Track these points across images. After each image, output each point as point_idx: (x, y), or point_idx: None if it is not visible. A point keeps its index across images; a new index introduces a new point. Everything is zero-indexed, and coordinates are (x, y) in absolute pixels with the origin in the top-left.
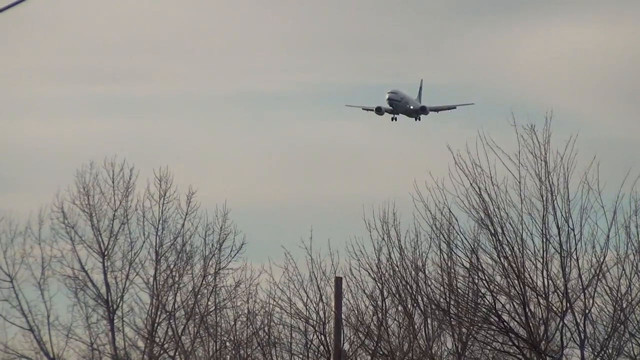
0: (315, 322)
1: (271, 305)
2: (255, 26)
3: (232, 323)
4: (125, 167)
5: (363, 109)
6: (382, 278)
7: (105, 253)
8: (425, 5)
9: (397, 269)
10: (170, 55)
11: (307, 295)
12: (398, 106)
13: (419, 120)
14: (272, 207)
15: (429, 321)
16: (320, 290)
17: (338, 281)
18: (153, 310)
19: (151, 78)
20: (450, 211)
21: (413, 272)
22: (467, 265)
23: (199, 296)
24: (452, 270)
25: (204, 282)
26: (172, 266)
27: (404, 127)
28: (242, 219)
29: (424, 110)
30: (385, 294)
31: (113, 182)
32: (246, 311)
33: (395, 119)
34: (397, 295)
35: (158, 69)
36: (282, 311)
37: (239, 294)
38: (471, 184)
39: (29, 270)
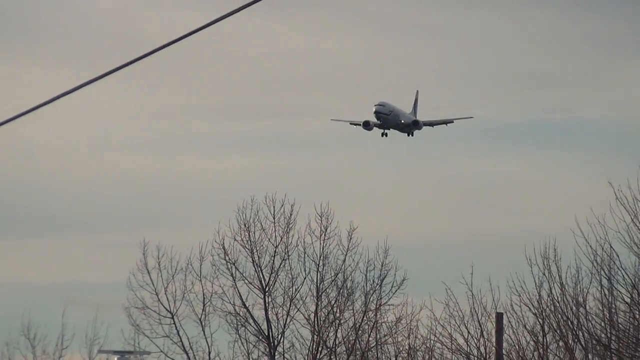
0: (476, 358)
1: (432, 341)
2: (419, 61)
3: (393, 359)
4: (286, 203)
5: (350, 123)
6: (543, 313)
7: (266, 289)
8: (584, 39)
9: (557, 305)
10: (331, 91)
11: (468, 331)
12: (387, 120)
13: (412, 135)
14: (432, 243)
15: (590, 357)
16: (481, 326)
17: (499, 317)
18: (314, 346)
19: (313, 114)
20: (611, 246)
21: (574, 308)
22: (628, 300)
23: (360, 332)
24: (613, 306)
25: (365, 318)
26: (333, 302)
27: (563, 162)
28: (403, 254)
29: (416, 124)
30: (546, 329)
31: (274, 218)
32: (407, 347)
33: (386, 135)
34: (558, 331)
35: (319, 105)
36: (443, 347)
37: (400, 329)
38: (632, 220)
39: (190, 306)
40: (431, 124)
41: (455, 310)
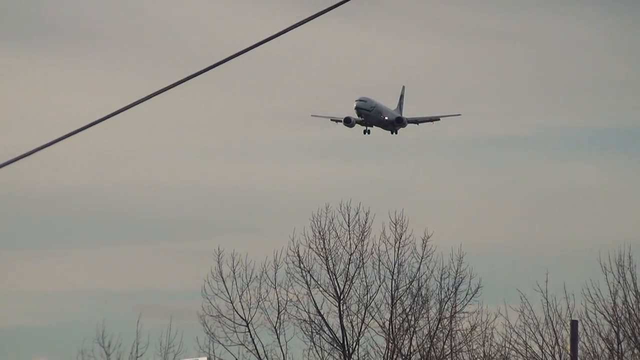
0: None
1: (507, 349)
2: (496, 69)
3: None
4: (360, 210)
5: (331, 119)
6: (618, 321)
7: (341, 297)
8: None
9: (633, 312)
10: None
11: (543, 339)
12: (369, 116)
13: (396, 133)
14: (507, 250)
15: None
16: (555, 334)
17: (574, 324)
18: (389, 354)
19: None
20: None
21: None
22: None
23: (435, 340)
24: None
25: (439, 326)
26: (407, 310)
27: (638, 169)
28: (478, 262)
29: (400, 121)
30: (621, 336)
31: (349, 226)
32: (482, 355)
33: (368, 132)
34: (633, 338)
35: None
36: (517, 354)
37: (475, 337)
38: None
39: (264, 314)
40: (416, 121)
41: (530, 317)
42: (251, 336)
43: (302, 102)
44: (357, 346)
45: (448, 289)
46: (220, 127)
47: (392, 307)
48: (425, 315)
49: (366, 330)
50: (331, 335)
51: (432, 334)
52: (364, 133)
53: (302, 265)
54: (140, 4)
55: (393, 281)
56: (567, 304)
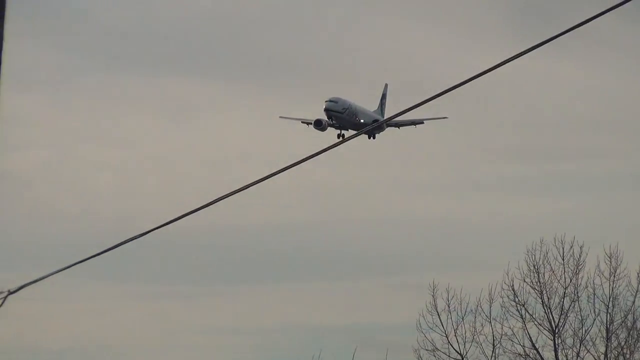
0: None
1: None
2: None
3: None
4: (575, 244)
5: (302, 122)
6: None
7: (556, 330)
8: None
9: None
10: (618, 132)
11: None
12: (341, 119)
13: (374, 138)
14: None
15: None
16: None
17: None
18: None
19: (599, 155)
20: None
21: None
22: None
23: None
24: None
25: None
26: (623, 343)
27: None
28: None
29: (378, 124)
30: None
31: (563, 260)
32: None
33: (343, 136)
34: None
35: (606, 146)
36: None
37: None
38: None
39: (479, 348)
40: (397, 124)
41: None
42: None
43: (515, 138)
44: None
45: None
46: (435, 161)
47: (607, 341)
48: None
49: None
50: None
51: None
52: (338, 137)
53: (516, 299)
54: (358, 40)
55: (608, 315)
56: None
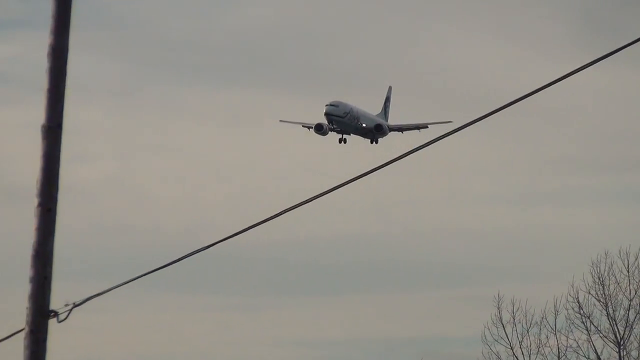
0: None
1: None
2: None
3: None
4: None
5: (303, 125)
6: None
7: (621, 343)
8: None
9: None
10: None
11: None
12: (342, 123)
13: (376, 142)
14: None
15: None
16: None
17: None
18: None
19: None
20: None
21: None
22: None
23: None
24: None
25: None
26: None
27: None
28: None
29: (379, 129)
30: None
31: (628, 272)
32: None
33: (345, 141)
34: None
35: None
36: None
37: None
38: None
39: None
40: (401, 129)
41: None
42: None
43: (579, 147)
44: None
45: None
46: (498, 173)
47: None
48: None
49: None
50: None
51: None
52: (340, 142)
53: (581, 311)
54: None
55: None
56: None
